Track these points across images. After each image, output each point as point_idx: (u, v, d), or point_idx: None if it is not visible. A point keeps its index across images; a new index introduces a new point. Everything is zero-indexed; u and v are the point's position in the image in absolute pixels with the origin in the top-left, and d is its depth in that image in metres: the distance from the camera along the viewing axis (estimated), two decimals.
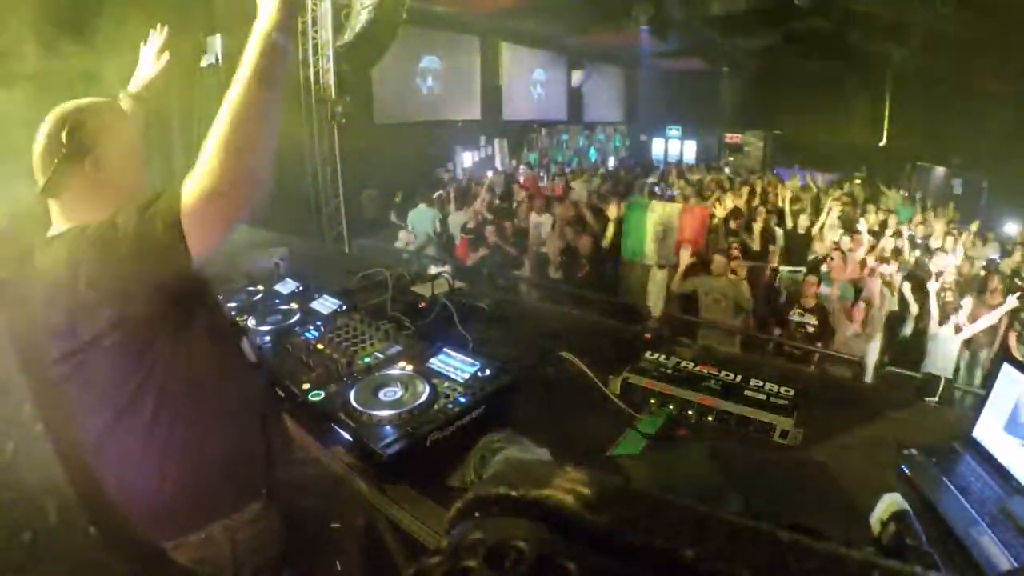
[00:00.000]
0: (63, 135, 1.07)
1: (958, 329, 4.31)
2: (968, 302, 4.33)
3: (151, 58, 1.74)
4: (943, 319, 4.37)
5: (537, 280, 5.17)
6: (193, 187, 0.96)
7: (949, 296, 4.53)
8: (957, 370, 4.48)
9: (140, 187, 1.20)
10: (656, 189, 9.02)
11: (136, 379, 1.08)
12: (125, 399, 1.09)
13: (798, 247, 6.04)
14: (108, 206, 1.09)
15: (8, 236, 1.23)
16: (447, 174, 9.35)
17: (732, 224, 6.15)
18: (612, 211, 5.35)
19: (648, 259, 5.04)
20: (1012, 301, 4.32)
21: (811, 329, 4.30)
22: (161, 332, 1.07)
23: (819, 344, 4.21)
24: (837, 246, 5.43)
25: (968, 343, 4.47)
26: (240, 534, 1.27)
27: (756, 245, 5.77)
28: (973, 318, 4.29)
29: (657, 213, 4.99)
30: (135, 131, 1.23)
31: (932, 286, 4.53)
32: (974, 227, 6.92)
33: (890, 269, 4.89)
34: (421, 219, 6.69)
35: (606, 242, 5.27)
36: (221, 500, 1.24)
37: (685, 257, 4.58)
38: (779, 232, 6.27)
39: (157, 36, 1.76)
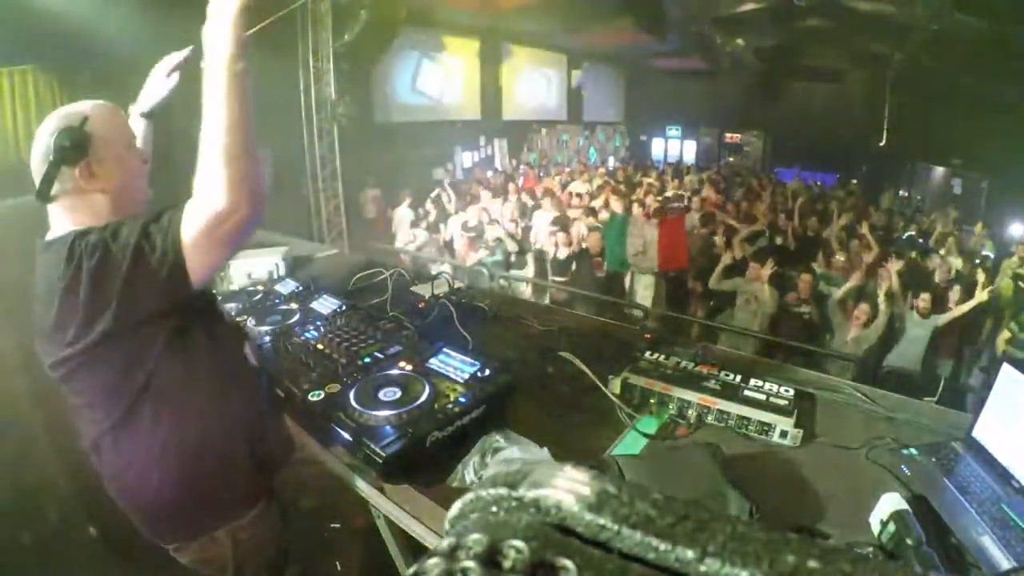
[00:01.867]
0: (53, 140, 1.05)
1: (924, 315, 4.31)
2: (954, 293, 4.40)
3: (163, 77, 1.51)
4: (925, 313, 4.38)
5: (538, 280, 5.21)
6: (190, 216, 0.95)
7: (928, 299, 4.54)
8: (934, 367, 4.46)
9: (141, 194, 1.19)
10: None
11: (134, 383, 1.07)
12: (124, 403, 1.08)
13: None
14: (106, 212, 1.08)
15: (8, 238, 1.22)
16: (446, 175, 9.31)
17: None
18: (602, 215, 5.41)
19: (632, 267, 5.15)
20: (980, 296, 4.34)
21: (807, 317, 4.36)
22: (159, 337, 1.06)
23: (817, 338, 4.25)
24: None
25: (949, 340, 4.47)
26: (242, 535, 1.27)
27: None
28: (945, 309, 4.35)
29: (636, 226, 5.09)
30: (133, 137, 1.20)
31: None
32: (977, 229, 6.96)
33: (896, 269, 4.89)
34: (401, 218, 6.78)
35: (584, 245, 5.32)
36: (222, 505, 1.24)
37: (726, 258, 4.82)
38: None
39: (176, 55, 1.50)
